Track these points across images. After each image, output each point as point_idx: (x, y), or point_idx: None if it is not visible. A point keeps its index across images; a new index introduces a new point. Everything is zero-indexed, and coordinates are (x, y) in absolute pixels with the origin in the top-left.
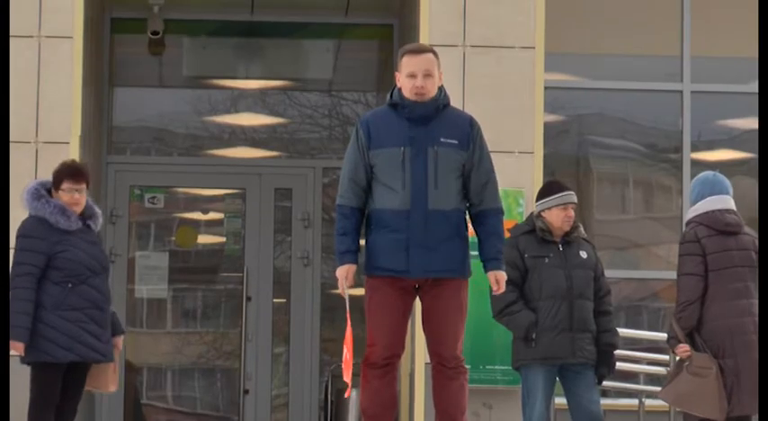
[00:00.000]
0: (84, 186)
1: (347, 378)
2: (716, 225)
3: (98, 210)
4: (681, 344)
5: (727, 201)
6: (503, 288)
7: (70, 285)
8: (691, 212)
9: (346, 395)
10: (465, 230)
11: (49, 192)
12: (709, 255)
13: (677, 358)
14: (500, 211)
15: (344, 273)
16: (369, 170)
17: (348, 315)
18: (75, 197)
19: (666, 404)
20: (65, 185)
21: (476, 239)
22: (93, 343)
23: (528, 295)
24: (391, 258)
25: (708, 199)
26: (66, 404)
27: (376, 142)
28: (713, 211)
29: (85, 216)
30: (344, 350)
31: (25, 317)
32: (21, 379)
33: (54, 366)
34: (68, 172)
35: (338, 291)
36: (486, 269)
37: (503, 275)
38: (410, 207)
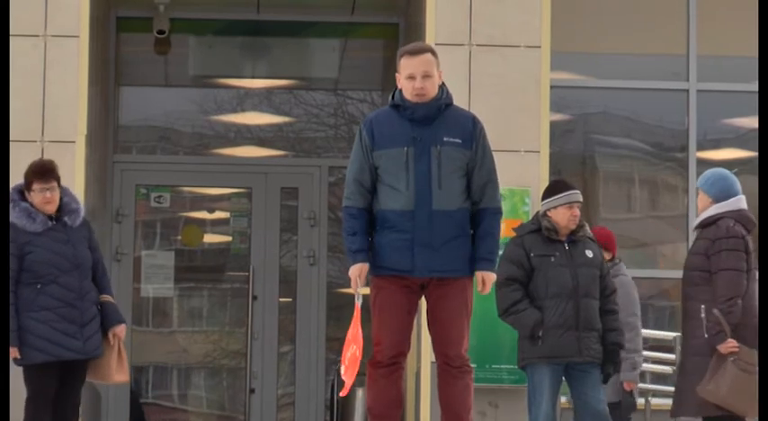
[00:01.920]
0: (54, 184)
1: (350, 377)
2: (748, 224)
3: (76, 206)
4: (729, 340)
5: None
6: (488, 289)
7: (39, 286)
8: (721, 207)
9: (342, 394)
10: (470, 229)
11: (22, 193)
12: (748, 254)
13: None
14: (498, 211)
15: (358, 272)
16: (373, 171)
17: (358, 313)
18: (46, 196)
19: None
20: (35, 186)
21: None
22: (64, 341)
23: (534, 294)
24: (396, 258)
25: (738, 197)
26: (62, 404)
27: (379, 143)
28: (744, 210)
29: (62, 213)
30: (353, 347)
31: (11, 320)
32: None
33: (37, 367)
34: (37, 172)
35: (345, 290)
36: (476, 268)
37: (490, 277)
38: (414, 207)
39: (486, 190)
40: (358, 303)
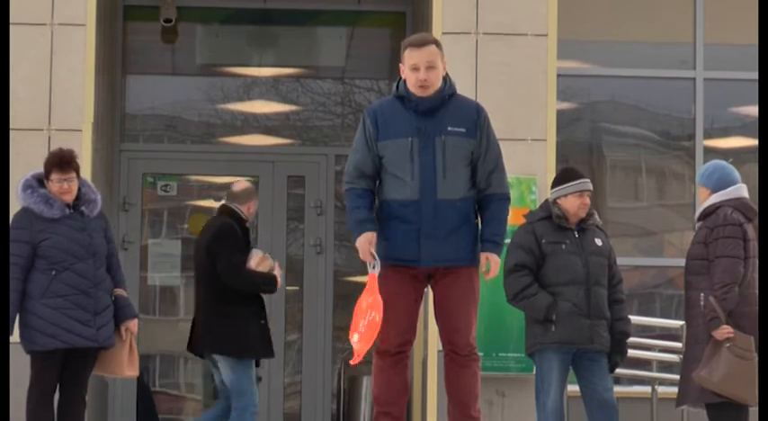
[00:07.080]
0: (72, 175)
1: (367, 342)
2: (748, 213)
3: (94, 196)
4: (724, 326)
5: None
6: (494, 273)
7: (54, 272)
8: (721, 195)
9: (354, 362)
10: (475, 218)
11: (41, 182)
12: (747, 242)
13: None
14: (505, 197)
15: (366, 240)
16: (377, 161)
17: (375, 282)
18: (63, 187)
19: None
20: (53, 176)
21: None
22: (77, 328)
23: (543, 281)
24: (402, 248)
25: (737, 185)
26: (69, 392)
27: (384, 133)
28: (744, 198)
29: (80, 202)
30: (372, 313)
31: (10, 307)
32: (19, 372)
33: (45, 354)
34: (55, 162)
35: (352, 279)
36: (482, 249)
37: (495, 259)
38: (419, 197)
39: (492, 177)
40: (374, 272)
